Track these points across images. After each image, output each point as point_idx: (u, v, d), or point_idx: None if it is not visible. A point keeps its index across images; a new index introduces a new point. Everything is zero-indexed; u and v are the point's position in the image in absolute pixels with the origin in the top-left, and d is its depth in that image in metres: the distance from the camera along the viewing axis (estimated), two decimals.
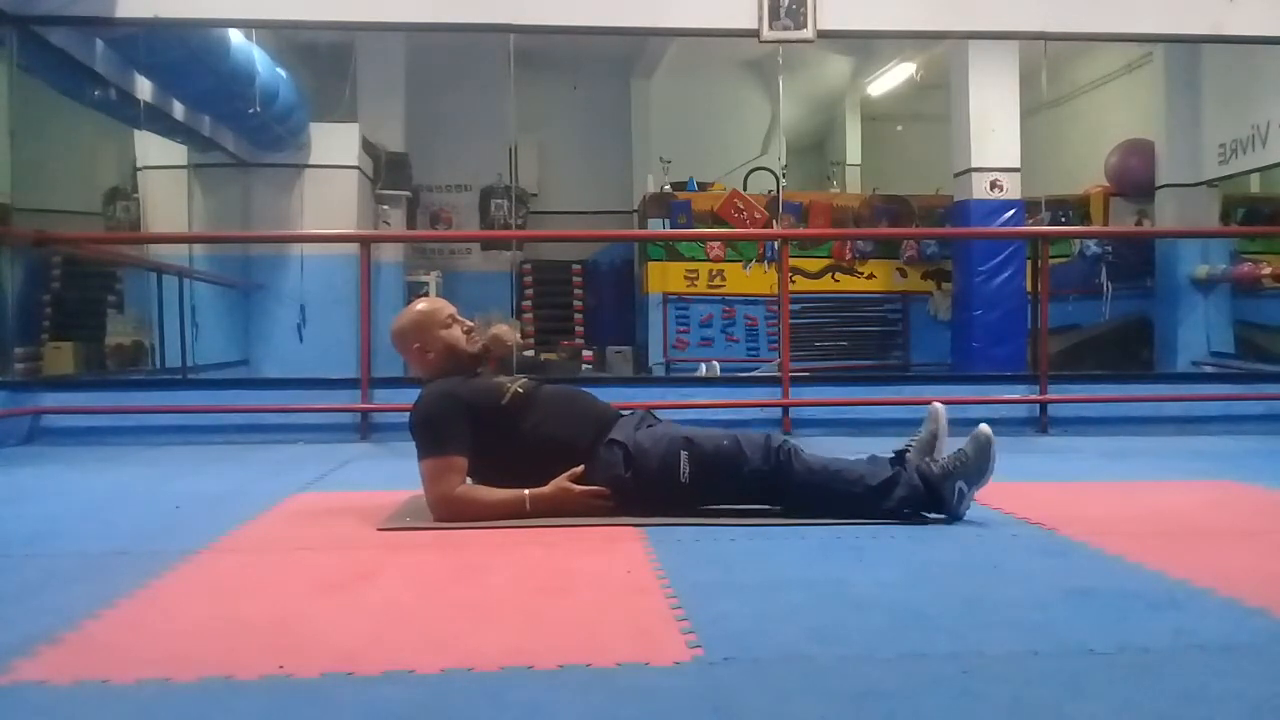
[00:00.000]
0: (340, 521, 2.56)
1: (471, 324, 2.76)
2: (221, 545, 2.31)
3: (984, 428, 2.47)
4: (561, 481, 2.49)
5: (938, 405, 2.64)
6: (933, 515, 2.50)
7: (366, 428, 4.62)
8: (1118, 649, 1.50)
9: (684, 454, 2.48)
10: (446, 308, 2.76)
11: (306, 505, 2.91)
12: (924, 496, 2.47)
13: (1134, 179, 8.34)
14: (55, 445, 4.49)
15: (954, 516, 2.48)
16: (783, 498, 2.51)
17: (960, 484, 2.45)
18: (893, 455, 2.56)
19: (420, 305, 2.79)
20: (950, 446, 2.56)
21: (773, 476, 2.47)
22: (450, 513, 2.46)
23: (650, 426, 2.62)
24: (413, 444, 2.55)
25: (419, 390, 2.66)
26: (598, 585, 1.93)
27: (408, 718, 1.27)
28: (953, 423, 2.60)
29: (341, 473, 3.65)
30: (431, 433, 2.51)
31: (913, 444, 2.60)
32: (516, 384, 2.63)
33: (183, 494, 3.15)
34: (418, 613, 1.74)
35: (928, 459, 2.53)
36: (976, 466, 2.45)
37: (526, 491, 2.49)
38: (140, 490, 3.26)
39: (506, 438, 2.54)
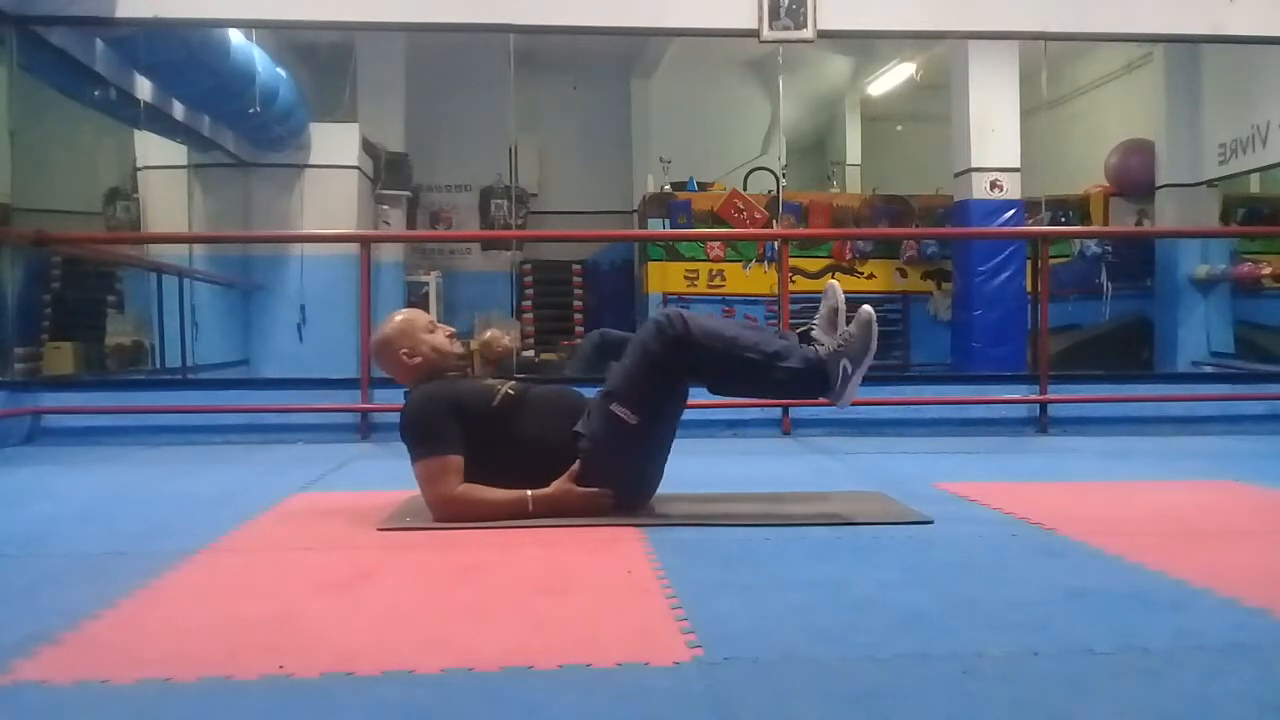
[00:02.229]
0: (340, 521, 2.56)
1: (453, 329, 2.77)
2: (221, 545, 2.31)
3: (866, 308, 2.44)
4: (564, 482, 2.49)
5: (833, 283, 2.60)
6: (935, 513, 2.51)
7: (366, 428, 4.62)
8: (1118, 649, 1.50)
9: (613, 407, 2.45)
10: (425, 315, 2.78)
11: (306, 505, 2.91)
12: (816, 374, 2.44)
13: (1134, 179, 8.35)
14: (55, 445, 4.49)
15: (839, 401, 2.46)
16: (696, 370, 2.48)
17: (845, 363, 2.42)
18: (799, 334, 2.54)
19: (400, 314, 2.79)
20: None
21: (678, 349, 2.43)
22: (451, 513, 2.46)
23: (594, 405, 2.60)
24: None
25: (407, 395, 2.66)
26: (597, 585, 1.93)
27: (408, 718, 1.27)
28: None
29: (341, 473, 3.65)
30: (423, 434, 2.51)
31: (816, 323, 2.56)
32: (506, 385, 2.63)
33: (183, 494, 3.15)
34: (418, 613, 1.74)
35: (816, 339, 2.50)
36: (861, 345, 2.41)
37: (529, 492, 2.49)
38: (140, 490, 3.26)
39: (498, 439, 2.53)
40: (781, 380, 2.46)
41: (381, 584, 1.95)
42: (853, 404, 4.71)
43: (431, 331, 2.71)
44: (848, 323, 2.46)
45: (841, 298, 2.51)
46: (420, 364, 2.68)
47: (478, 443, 2.51)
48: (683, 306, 2.55)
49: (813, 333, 2.51)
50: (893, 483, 3.13)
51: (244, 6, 5.60)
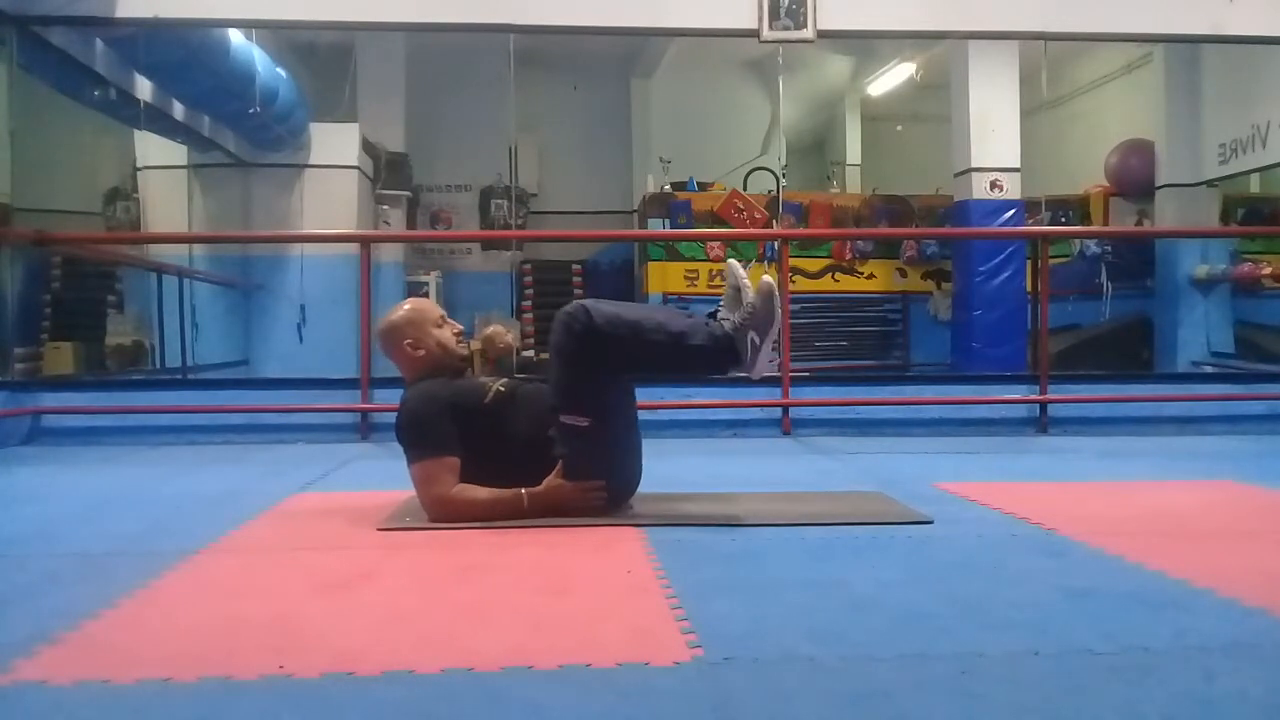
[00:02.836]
0: (340, 521, 2.56)
1: (461, 327, 2.76)
2: (221, 545, 2.31)
3: (766, 278, 2.46)
4: (555, 478, 2.49)
5: (732, 261, 2.63)
6: (935, 513, 2.51)
7: (366, 428, 4.62)
8: (1118, 649, 1.50)
9: (563, 418, 2.47)
10: (437, 309, 2.76)
11: (306, 505, 2.91)
12: (724, 349, 2.46)
13: (1134, 179, 8.35)
14: (55, 445, 4.49)
15: (751, 372, 2.47)
16: (607, 356, 2.47)
17: (752, 335, 2.43)
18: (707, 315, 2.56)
19: (411, 303, 2.78)
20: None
21: (589, 342, 2.43)
22: (447, 514, 2.46)
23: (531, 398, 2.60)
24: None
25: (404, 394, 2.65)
26: (597, 585, 1.93)
27: (408, 718, 1.27)
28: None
29: (341, 473, 3.65)
30: (419, 435, 2.51)
31: (722, 304, 2.56)
32: (498, 383, 2.62)
33: (183, 494, 3.15)
34: (418, 613, 1.74)
35: (722, 318, 2.51)
36: (765, 315, 2.43)
37: (524, 490, 2.49)
38: (140, 490, 3.26)
39: (491, 437, 2.53)
40: (690, 358, 2.49)
41: (381, 584, 1.95)
42: (852, 404, 4.80)
43: (440, 326, 2.70)
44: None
45: (742, 274, 2.52)
46: (424, 357, 2.66)
47: (472, 440, 2.51)
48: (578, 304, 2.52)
49: (719, 314, 2.52)
50: (893, 483, 3.13)
51: (244, 6, 5.61)
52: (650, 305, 2.60)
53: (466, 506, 2.46)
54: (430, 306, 2.77)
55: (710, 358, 2.49)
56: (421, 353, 2.67)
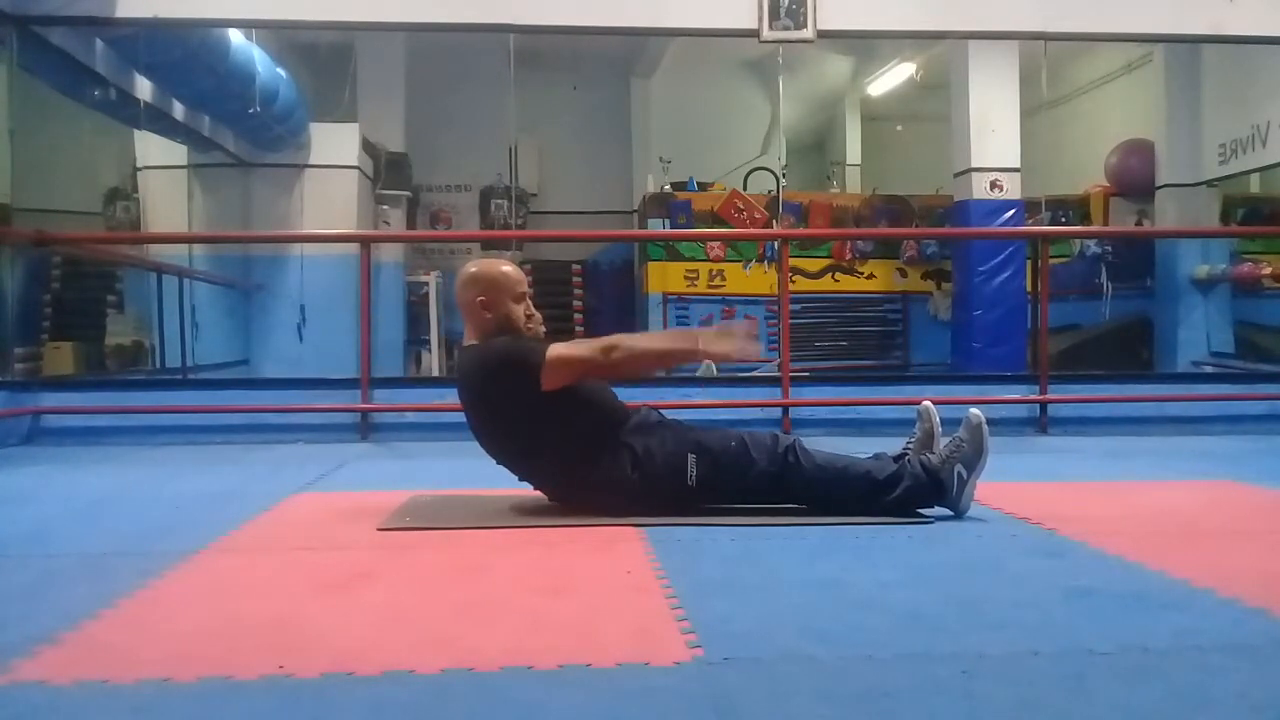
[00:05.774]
0: (340, 521, 2.56)
1: (534, 312, 2.68)
2: (221, 545, 2.31)
3: (974, 411, 2.50)
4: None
5: (928, 404, 2.66)
6: (935, 513, 2.51)
7: (366, 428, 4.62)
8: (1118, 649, 1.50)
9: (691, 457, 2.48)
10: (523, 283, 2.68)
11: (306, 505, 2.91)
12: (928, 487, 2.49)
13: (1134, 179, 8.34)
14: (55, 445, 4.49)
15: (957, 508, 2.50)
16: (789, 496, 2.53)
17: (959, 468, 2.47)
18: (894, 456, 2.57)
19: (505, 267, 2.69)
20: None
21: (780, 477, 2.49)
22: (618, 358, 2.51)
23: (658, 423, 2.62)
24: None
25: (465, 353, 2.63)
26: (598, 585, 1.93)
27: (408, 718, 1.27)
28: (952, 422, 2.60)
29: (341, 473, 3.65)
30: (525, 350, 2.51)
31: (910, 444, 2.61)
32: None
33: (183, 494, 3.15)
34: (418, 613, 1.74)
35: (926, 453, 2.56)
36: (974, 450, 2.48)
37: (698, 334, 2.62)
38: (140, 490, 3.26)
39: (559, 398, 2.50)
40: (896, 499, 2.49)
41: (381, 584, 1.95)
42: (852, 404, 4.79)
43: (518, 301, 2.63)
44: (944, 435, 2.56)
45: (938, 421, 2.58)
46: (489, 320, 2.60)
47: (540, 400, 2.49)
48: (794, 437, 2.62)
49: (907, 455, 2.56)
50: None
51: (244, 6, 5.61)
52: (857, 457, 2.65)
53: (634, 351, 2.57)
54: (518, 279, 2.66)
55: (915, 497, 2.50)
56: (489, 315, 2.59)
